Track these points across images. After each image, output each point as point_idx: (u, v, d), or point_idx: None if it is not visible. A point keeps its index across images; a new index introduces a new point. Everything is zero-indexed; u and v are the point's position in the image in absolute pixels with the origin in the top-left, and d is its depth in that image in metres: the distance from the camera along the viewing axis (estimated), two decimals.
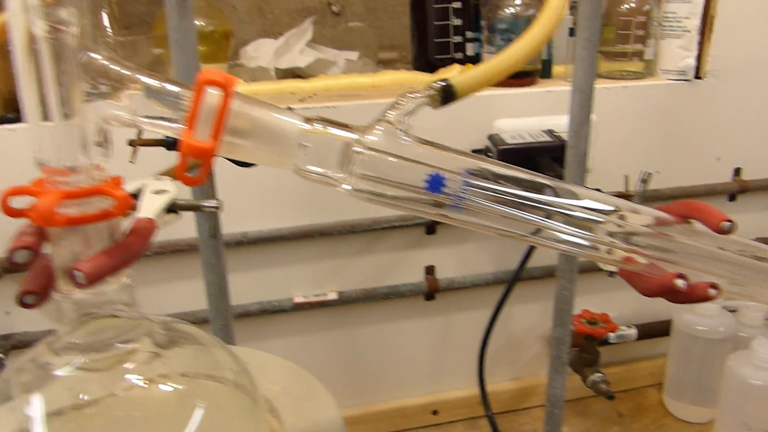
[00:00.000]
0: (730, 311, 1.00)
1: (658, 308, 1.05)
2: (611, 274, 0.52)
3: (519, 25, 0.90)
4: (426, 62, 1.06)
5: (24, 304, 0.31)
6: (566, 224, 0.39)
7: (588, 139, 0.66)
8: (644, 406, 1.06)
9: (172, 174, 0.35)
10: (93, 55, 0.31)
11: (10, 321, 0.85)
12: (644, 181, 0.56)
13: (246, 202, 0.87)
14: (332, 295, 0.92)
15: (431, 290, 0.95)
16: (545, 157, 0.82)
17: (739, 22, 0.94)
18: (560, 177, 0.74)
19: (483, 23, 0.95)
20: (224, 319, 0.66)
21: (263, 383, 0.43)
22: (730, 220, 0.43)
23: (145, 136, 0.59)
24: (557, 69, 0.97)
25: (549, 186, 0.39)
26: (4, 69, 0.89)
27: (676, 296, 0.42)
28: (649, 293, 0.44)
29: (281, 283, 0.92)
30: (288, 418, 0.44)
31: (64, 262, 0.31)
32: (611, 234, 0.41)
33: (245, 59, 1.19)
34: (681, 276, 0.41)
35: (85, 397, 0.33)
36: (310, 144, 0.35)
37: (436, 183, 0.37)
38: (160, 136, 0.59)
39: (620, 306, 1.04)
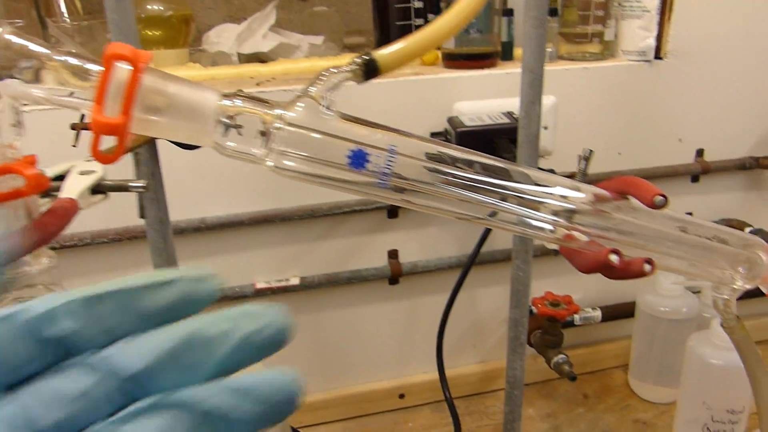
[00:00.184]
0: (694, 292, 1.01)
1: (623, 290, 1.05)
2: (557, 252, 0.52)
3: None
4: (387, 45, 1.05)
5: None
6: (509, 204, 0.39)
7: (539, 119, 0.66)
8: (610, 387, 1.06)
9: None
10: None
11: None
12: (586, 159, 0.56)
13: (204, 188, 0.86)
14: (294, 281, 0.92)
15: (395, 274, 0.95)
16: (503, 139, 0.82)
17: (698, 1, 0.94)
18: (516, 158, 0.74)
19: (442, 5, 0.94)
20: None
21: None
22: (663, 195, 0.43)
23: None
24: (518, 51, 0.97)
25: (493, 166, 0.39)
26: None
27: (612, 272, 0.42)
28: (586, 269, 0.44)
29: (242, 269, 0.91)
30: None
31: None
32: (556, 213, 0.40)
33: (207, 45, 1.18)
34: (615, 252, 0.41)
35: None
36: (228, 120, 0.35)
37: (358, 159, 0.37)
38: None
39: (585, 288, 1.05)
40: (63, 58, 0.32)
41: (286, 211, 0.88)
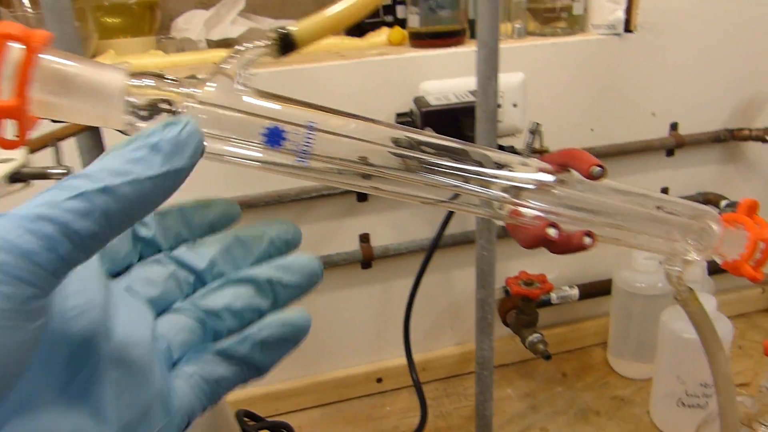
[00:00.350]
0: None
1: (600, 267, 1.05)
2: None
3: None
4: (356, 26, 1.03)
5: None
6: (451, 179, 0.38)
7: (496, 95, 0.64)
8: (589, 365, 1.06)
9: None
10: None
11: None
12: (533, 132, 0.55)
13: None
14: None
15: (366, 258, 0.94)
16: (469, 117, 0.80)
17: None
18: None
19: None
20: None
21: None
22: (600, 165, 0.42)
23: None
24: None
25: (435, 143, 0.38)
26: None
27: (554, 246, 0.41)
28: (527, 244, 0.43)
29: None
30: None
31: None
32: (504, 190, 0.39)
33: (176, 32, 1.16)
34: (553, 225, 0.40)
35: None
36: (137, 100, 0.34)
37: (274, 136, 0.35)
38: None
39: (561, 266, 1.04)
40: None
41: (252, 197, 0.87)
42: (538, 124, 0.54)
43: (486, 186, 0.39)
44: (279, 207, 0.89)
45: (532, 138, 0.54)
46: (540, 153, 0.79)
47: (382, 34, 0.98)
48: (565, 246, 0.41)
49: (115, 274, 0.26)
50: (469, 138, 0.74)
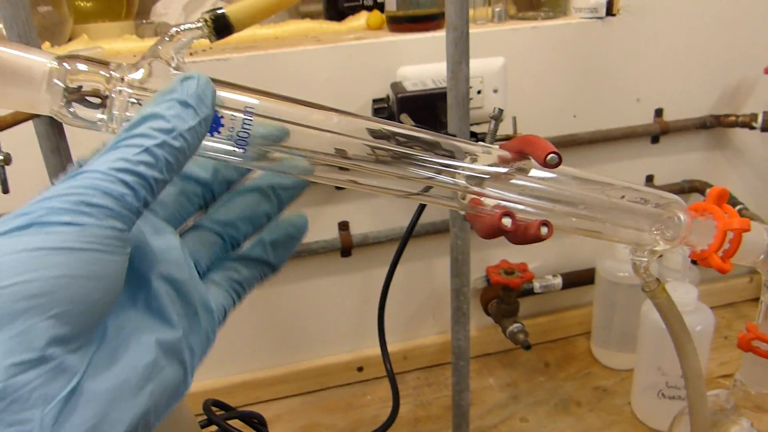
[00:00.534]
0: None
1: (582, 256, 1.03)
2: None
3: None
4: (336, 11, 1.01)
5: None
6: (412, 168, 0.37)
7: (467, 80, 0.63)
8: (573, 355, 1.05)
9: None
10: None
11: None
12: (495, 119, 0.53)
13: None
14: None
15: (345, 246, 0.93)
16: (445, 103, 0.78)
17: None
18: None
19: None
20: None
21: None
22: (555, 153, 0.40)
23: None
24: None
25: (392, 132, 0.36)
26: None
27: (511, 236, 0.39)
28: (483, 234, 0.42)
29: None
30: None
31: None
32: (469, 179, 0.38)
33: (155, 16, 1.14)
34: (508, 214, 0.38)
35: None
36: (62, 84, 0.32)
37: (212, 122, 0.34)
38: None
39: (544, 255, 1.02)
40: None
41: None
42: (500, 110, 0.53)
43: (441, 174, 0.38)
44: None
45: (495, 125, 0.53)
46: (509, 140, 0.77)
47: (360, 18, 0.96)
48: (522, 236, 0.40)
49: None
50: (444, 124, 0.72)
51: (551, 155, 0.39)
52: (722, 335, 1.08)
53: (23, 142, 0.61)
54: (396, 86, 0.83)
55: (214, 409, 0.68)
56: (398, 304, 1.01)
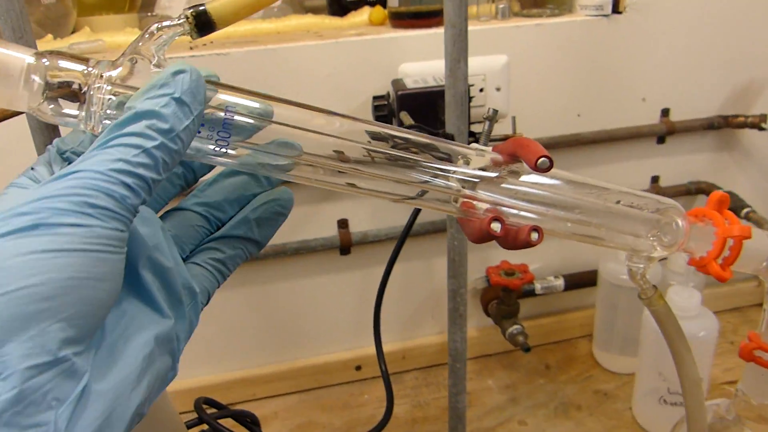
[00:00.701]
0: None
1: (585, 258, 1.02)
2: None
3: None
4: (339, 6, 1.00)
5: None
6: (391, 172, 0.36)
7: (465, 78, 0.61)
8: (574, 357, 1.04)
9: None
10: None
11: None
12: (489, 119, 0.52)
13: None
14: None
15: (345, 244, 0.92)
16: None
17: None
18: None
19: None
20: None
21: None
22: (547, 157, 0.39)
23: None
24: (471, 9, 0.91)
25: (382, 133, 0.35)
26: None
27: (502, 241, 0.38)
28: (473, 239, 0.41)
29: None
30: None
31: None
32: (460, 183, 0.37)
33: (159, 9, 1.13)
34: (497, 219, 0.37)
35: None
36: (40, 80, 0.31)
37: None
38: None
39: (546, 256, 1.01)
40: None
41: None
42: (495, 111, 0.51)
43: (430, 177, 0.37)
44: None
45: (489, 126, 0.52)
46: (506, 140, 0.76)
47: (363, 14, 0.95)
48: (512, 241, 0.39)
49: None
50: (444, 123, 0.71)
51: (542, 159, 0.38)
52: (728, 340, 1.06)
53: (17, 136, 0.60)
54: (397, 83, 0.82)
55: (206, 407, 0.67)
56: (397, 303, 1.00)
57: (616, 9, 0.87)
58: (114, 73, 0.31)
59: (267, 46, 0.83)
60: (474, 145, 0.39)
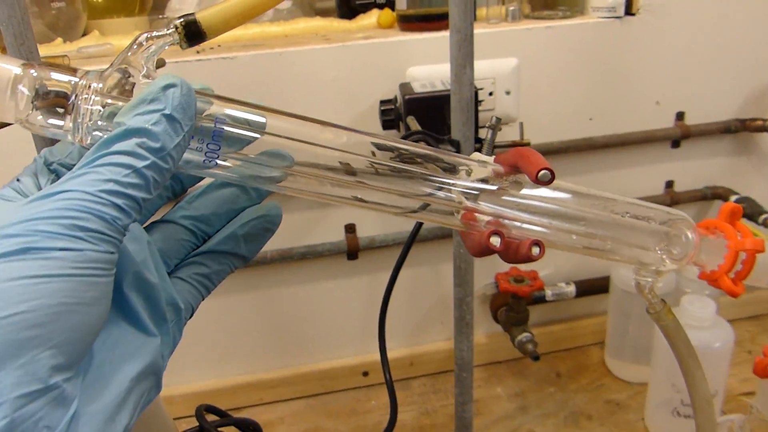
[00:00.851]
0: None
1: (597, 264, 1.00)
2: None
3: None
4: (348, 8, 0.99)
5: None
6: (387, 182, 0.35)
7: (471, 84, 0.60)
8: (585, 365, 1.02)
9: None
10: None
11: None
12: (492, 128, 0.51)
13: None
14: None
15: (352, 249, 0.91)
16: None
17: None
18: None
19: None
20: None
21: None
22: (548, 169, 0.37)
23: None
24: (480, 11, 0.90)
25: (384, 146, 0.34)
26: None
27: (503, 255, 0.37)
28: (474, 252, 0.39)
29: None
30: None
31: None
32: (463, 195, 0.36)
33: (170, 12, 1.13)
34: (497, 233, 0.36)
35: None
36: (27, 91, 0.31)
37: None
38: None
39: (557, 262, 0.99)
40: None
41: None
42: (498, 119, 0.50)
43: (429, 188, 0.36)
44: None
45: (492, 135, 0.50)
46: (521, 146, 0.74)
47: (372, 17, 0.94)
48: (513, 256, 0.38)
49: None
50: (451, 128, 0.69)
51: (543, 171, 0.36)
52: (745, 349, 1.04)
53: (19, 139, 0.60)
54: (404, 87, 0.81)
55: (207, 414, 0.66)
56: (405, 308, 0.99)
57: (629, 10, 0.85)
58: (102, 84, 0.31)
59: (273, 49, 0.82)
60: (477, 154, 0.38)
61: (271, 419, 0.96)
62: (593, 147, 0.90)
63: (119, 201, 0.22)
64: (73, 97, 0.30)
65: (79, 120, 0.30)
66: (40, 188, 0.30)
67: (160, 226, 0.31)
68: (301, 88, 0.83)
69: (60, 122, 0.31)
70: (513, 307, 0.91)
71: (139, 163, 0.23)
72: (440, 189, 0.36)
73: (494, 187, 0.38)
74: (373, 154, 0.35)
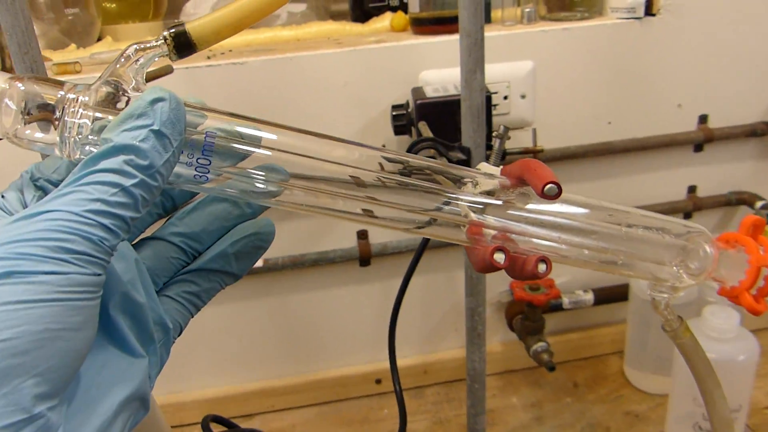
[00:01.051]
0: None
1: None
2: None
3: None
4: (362, 11, 0.98)
5: None
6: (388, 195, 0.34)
7: (482, 90, 0.58)
8: (604, 375, 0.99)
9: None
10: None
11: None
12: (500, 137, 0.49)
13: None
14: (257, 263, 0.88)
15: (364, 256, 0.90)
16: None
17: None
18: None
19: None
20: None
21: None
22: (555, 183, 0.36)
23: None
24: (495, 13, 0.88)
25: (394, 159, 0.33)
26: None
27: (508, 271, 0.36)
28: (478, 268, 0.38)
29: None
30: None
31: None
32: (472, 208, 0.35)
33: (185, 17, 1.13)
34: (501, 249, 0.35)
35: None
36: (14, 105, 0.30)
37: None
38: None
39: (574, 270, 0.97)
40: None
41: None
42: (506, 128, 0.48)
43: (433, 202, 0.35)
44: None
45: (500, 144, 0.49)
46: (534, 153, 0.72)
47: (385, 20, 0.93)
48: (519, 272, 0.36)
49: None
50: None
51: (550, 185, 0.35)
52: None
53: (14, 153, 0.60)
54: (416, 91, 0.80)
55: (215, 425, 0.66)
56: (419, 315, 0.98)
57: (649, 11, 0.82)
58: (89, 98, 0.30)
59: (284, 54, 0.81)
60: (484, 164, 0.36)
61: (283, 426, 0.95)
62: (612, 152, 0.88)
63: (106, 221, 0.22)
64: (60, 111, 0.30)
65: (66, 134, 0.30)
66: (25, 205, 0.29)
67: (150, 243, 0.31)
68: (312, 93, 0.82)
69: (48, 137, 0.30)
70: (528, 315, 0.89)
71: (127, 182, 0.22)
72: (446, 204, 0.35)
73: (499, 202, 0.36)
74: (381, 166, 0.34)
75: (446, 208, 0.35)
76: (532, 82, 0.83)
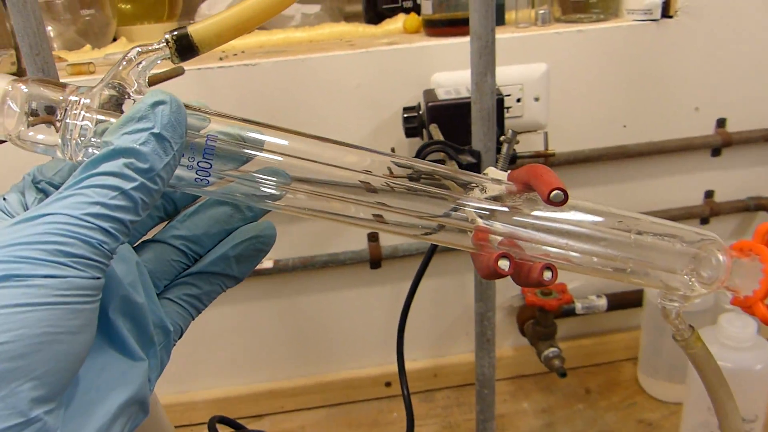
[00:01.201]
0: None
1: None
2: None
3: None
4: (375, 13, 0.98)
5: None
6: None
7: (492, 93, 0.58)
8: (616, 382, 0.98)
9: None
10: None
11: None
12: (509, 142, 0.48)
13: None
14: (267, 264, 0.88)
15: (375, 258, 0.90)
16: None
17: None
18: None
19: None
20: None
21: None
22: (561, 189, 0.35)
23: None
24: (509, 15, 0.87)
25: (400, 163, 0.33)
26: None
27: (514, 278, 0.35)
28: (483, 275, 0.37)
29: None
30: None
31: None
32: (479, 214, 0.34)
33: (199, 18, 1.14)
34: (505, 255, 0.34)
35: None
36: (17, 108, 0.30)
37: None
38: None
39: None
40: None
41: None
42: (515, 133, 0.48)
43: (439, 207, 0.35)
44: None
45: (508, 148, 0.48)
46: (545, 157, 0.71)
47: (398, 21, 0.92)
48: (524, 280, 0.35)
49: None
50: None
51: (556, 192, 0.34)
52: None
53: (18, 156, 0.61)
54: (428, 94, 0.79)
55: (221, 426, 0.66)
56: (429, 319, 0.97)
57: (666, 13, 0.81)
58: (91, 101, 0.30)
59: (296, 56, 0.81)
60: (491, 169, 0.36)
61: (292, 428, 0.95)
62: (627, 155, 0.86)
63: (106, 224, 0.22)
64: (63, 113, 0.30)
65: (68, 136, 0.30)
66: (26, 207, 0.29)
67: (151, 245, 0.31)
68: (324, 94, 0.82)
69: (50, 139, 0.30)
70: (540, 320, 0.88)
71: (127, 185, 0.22)
72: (454, 210, 0.35)
73: (506, 208, 0.35)
74: (390, 171, 0.34)
75: (453, 213, 0.35)
76: (546, 84, 0.82)
